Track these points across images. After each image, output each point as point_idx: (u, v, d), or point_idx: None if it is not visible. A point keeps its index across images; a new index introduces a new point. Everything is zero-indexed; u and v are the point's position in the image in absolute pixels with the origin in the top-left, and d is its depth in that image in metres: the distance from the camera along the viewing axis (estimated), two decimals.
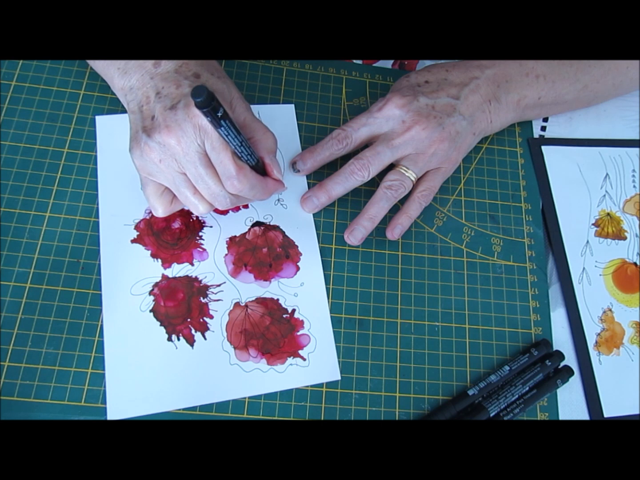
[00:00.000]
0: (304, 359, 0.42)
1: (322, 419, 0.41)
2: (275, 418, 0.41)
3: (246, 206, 0.46)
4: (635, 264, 0.49)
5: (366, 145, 0.46)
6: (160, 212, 0.41)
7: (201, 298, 0.43)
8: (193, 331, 0.42)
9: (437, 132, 0.44)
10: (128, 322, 0.41)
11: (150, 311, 0.42)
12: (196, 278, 0.43)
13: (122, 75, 0.40)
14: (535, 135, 0.54)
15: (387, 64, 0.55)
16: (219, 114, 0.33)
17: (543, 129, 0.54)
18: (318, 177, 0.48)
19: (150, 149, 0.37)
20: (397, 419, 0.42)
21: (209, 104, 0.31)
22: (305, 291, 0.44)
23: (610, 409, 0.44)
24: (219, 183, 0.38)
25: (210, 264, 0.44)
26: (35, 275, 0.42)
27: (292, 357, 0.42)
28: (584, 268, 0.48)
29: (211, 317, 0.42)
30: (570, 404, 0.44)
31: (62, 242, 0.43)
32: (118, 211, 0.44)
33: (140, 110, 0.38)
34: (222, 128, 0.34)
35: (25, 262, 0.42)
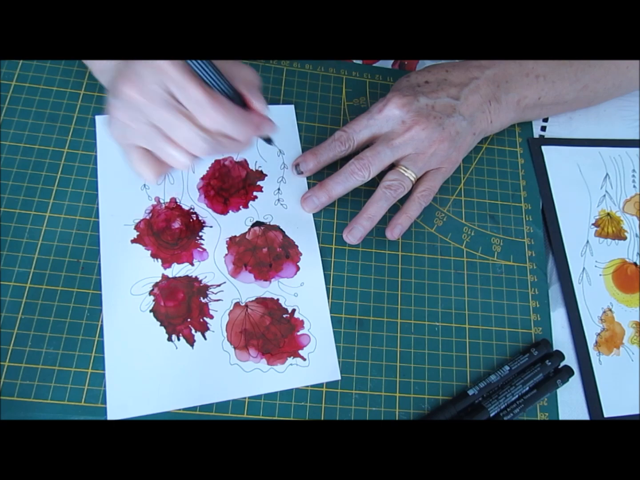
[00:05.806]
0: (304, 359, 0.42)
1: (322, 419, 0.41)
2: (275, 418, 0.41)
3: (246, 206, 0.46)
4: (635, 264, 0.49)
5: (367, 145, 0.46)
6: (151, 176, 0.38)
7: (201, 298, 0.43)
8: (193, 331, 0.42)
9: (437, 132, 0.44)
10: (128, 322, 0.41)
11: (150, 311, 0.42)
12: (196, 278, 0.43)
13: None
14: (535, 135, 0.54)
15: (387, 64, 0.55)
16: None
17: (543, 129, 0.54)
18: (318, 177, 0.48)
19: (117, 109, 0.36)
20: (397, 419, 0.42)
21: None
22: (305, 291, 0.44)
23: (610, 409, 0.44)
24: (192, 124, 0.35)
25: (210, 264, 0.44)
26: (35, 275, 0.42)
27: (292, 357, 0.42)
28: (584, 268, 0.48)
29: (211, 317, 0.42)
30: (570, 404, 0.44)
31: (62, 242, 0.43)
32: (118, 211, 0.44)
33: (111, 86, 0.37)
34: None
35: (25, 262, 0.42)
